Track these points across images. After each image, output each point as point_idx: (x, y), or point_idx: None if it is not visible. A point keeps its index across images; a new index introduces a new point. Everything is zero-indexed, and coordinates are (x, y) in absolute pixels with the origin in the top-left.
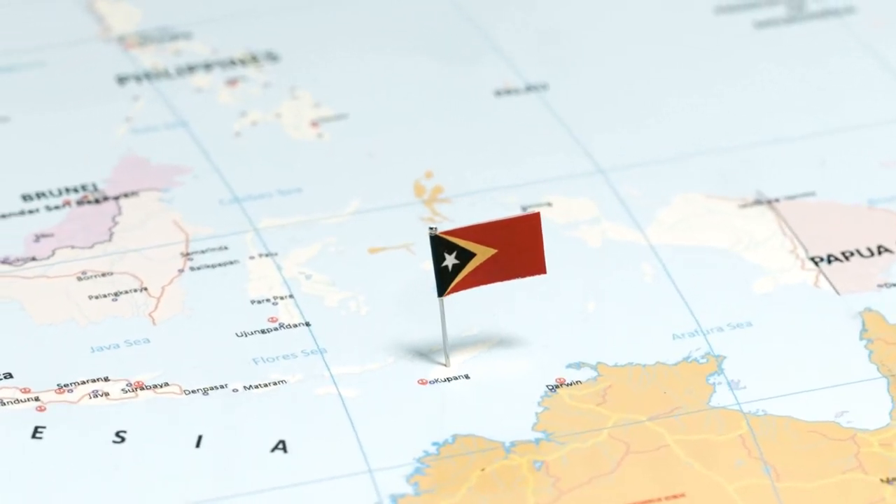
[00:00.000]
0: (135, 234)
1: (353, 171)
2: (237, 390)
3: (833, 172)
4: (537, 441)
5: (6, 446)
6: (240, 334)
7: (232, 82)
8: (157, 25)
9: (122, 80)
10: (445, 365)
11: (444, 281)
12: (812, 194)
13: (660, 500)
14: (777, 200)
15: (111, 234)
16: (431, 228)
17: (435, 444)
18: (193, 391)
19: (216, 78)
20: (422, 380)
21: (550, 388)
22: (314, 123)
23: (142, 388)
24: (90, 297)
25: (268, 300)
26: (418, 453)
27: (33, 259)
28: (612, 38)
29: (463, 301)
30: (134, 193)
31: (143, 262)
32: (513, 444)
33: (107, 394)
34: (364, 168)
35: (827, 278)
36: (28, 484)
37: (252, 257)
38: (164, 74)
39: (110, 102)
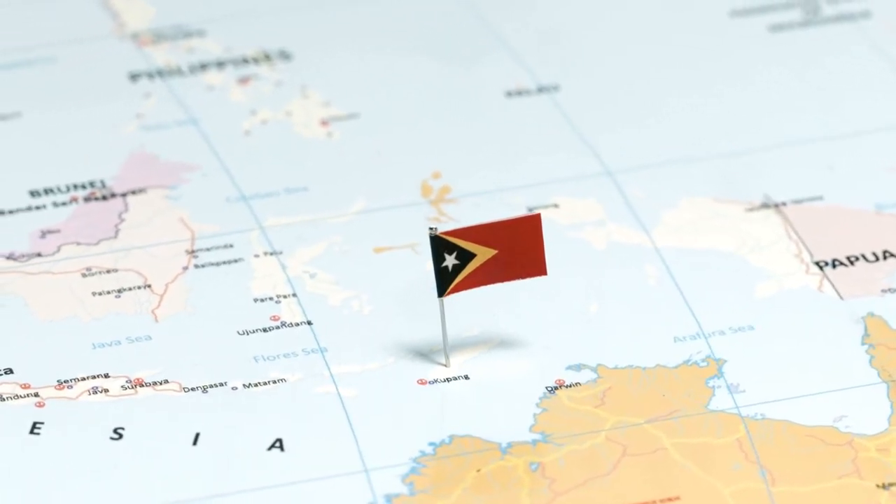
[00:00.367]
0: (141, 231)
1: (361, 170)
2: (236, 388)
3: (841, 177)
4: (534, 442)
5: (4, 442)
6: (241, 332)
7: (244, 80)
8: (171, 23)
9: (134, 77)
10: (445, 365)
11: (444, 281)
12: (820, 198)
13: (655, 502)
14: (784, 204)
15: (117, 231)
16: (431, 229)
17: (432, 444)
18: (193, 389)
19: (228, 76)
20: (421, 380)
21: (549, 389)
22: (324, 122)
23: (141, 385)
24: (94, 294)
25: (271, 298)
26: (415, 453)
27: (38, 255)
28: (626, 41)
29: (464, 301)
30: (141, 190)
31: (147, 259)
32: (509, 445)
33: (106, 390)
34: (372, 167)
35: (831, 283)
36: (24, 480)
37: (257, 255)
38: (177, 72)
39: (121, 99)
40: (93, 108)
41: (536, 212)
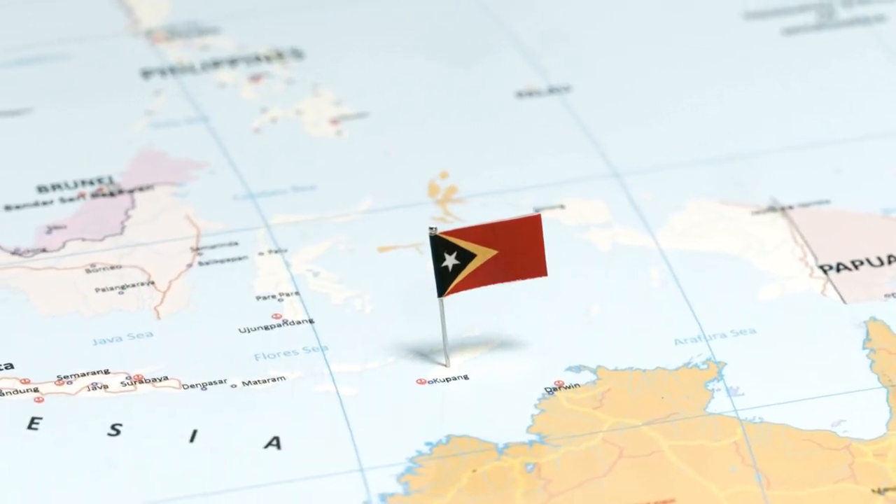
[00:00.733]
0: (147, 227)
1: (369, 169)
2: (235, 386)
3: (849, 181)
4: (531, 443)
5: (1, 437)
6: (243, 330)
7: (256, 78)
8: (186, 20)
9: (146, 73)
10: (445, 365)
11: (444, 281)
12: (827, 202)
13: None
14: (791, 208)
15: (123, 228)
16: (431, 228)
17: (428, 444)
18: (192, 386)
19: (240, 73)
20: (421, 379)
21: (548, 390)
22: (334, 121)
23: (141, 382)
24: (97, 290)
25: (273, 297)
26: (411, 453)
27: (44, 251)
28: (639, 42)
29: (466, 302)
30: (149, 187)
31: (152, 255)
32: (506, 445)
33: (105, 386)
34: (380, 167)
35: (834, 287)
36: (21, 475)
37: (261, 253)
38: (189, 69)
39: (133, 96)
40: (104, 105)
41: (537, 213)
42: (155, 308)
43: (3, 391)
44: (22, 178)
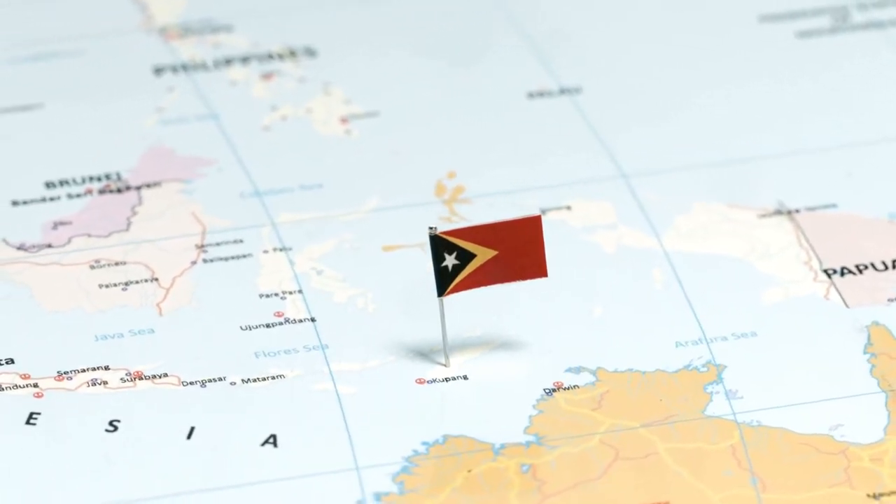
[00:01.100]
0: (152, 224)
1: (376, 168)
2: (235, 383)
3: (857, 185)
4: (527, 444)
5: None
6: (244, 328)
7: (267, 76)
8: (200, 17)
9: (158, 70)
10: (445, 365)
11: (444, 281)
12: (834, 206)
13: None
14: (797, 211)
15: (129, 224)
16: (431, 228)
17: (425, 443)
18: (191, 383)
19: (252, 71)
20: (420, 379)
21: (547, 391)
22: (344, 120)
23: (140, 378)
24: (100, 286)
25: (276, 295)
26: (407, 452)
27: (49, 246)
28: (652, 45)
29: (467, 302)
30: (156, 184)
31: (157, 252)
32: (503, 446)
33: (105, 382)
34: (388, 166)
35: (838, 291)
36: (18, 470)
37: (266, 251)
38: (202, 66)
39: (144, 93)
40: (115, 101)
41: (537, 213)
42: (157, 305)
43: (3, 386)
44: (30, 174)
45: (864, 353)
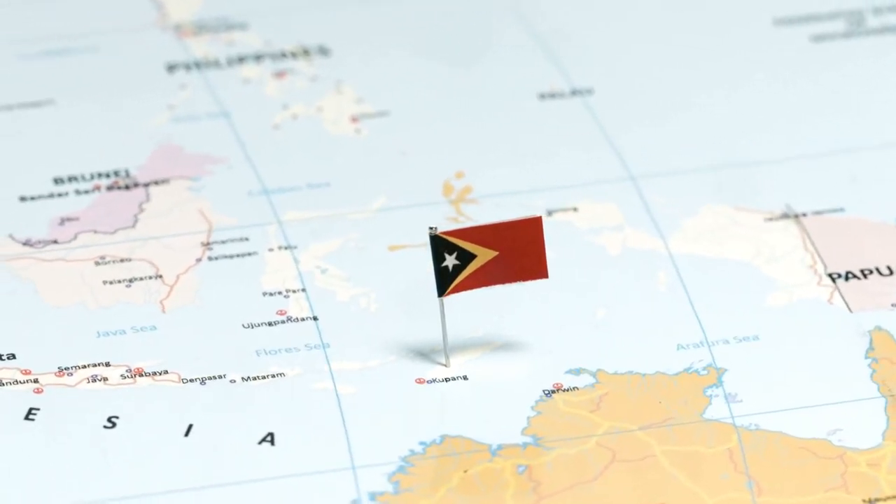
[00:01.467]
0: (159, 221)
1: (384, 168)
2: (234, 381)
3: (864, 189)
4: (524, 445)
5: None
6: (246, 326)
7: (280, 74)
8: (215, 14)
9: (171, 68)
10: (445, 365)
11: (444, 281)
12: (841, 210)
13: None
14: (804, 215)
15: (135, 221)
16: (431, 228)
17: (422, 443)
18: (191, 380)
19: (265, 69)
20: (420, 379)
21: (546, 392)
22: (354, 119)
23: (141, 375)
24: (104, 283)
25: (280, 293)
26: (404, 452)
27: (55, 242)
28: (666, 47)
29: (469, 302)
30: (164, 181)
31: (162, 249)
32: (499, 447)
33: (105, 379)
34: (396, 165)
35: (841, 295)
36: (16, 465)
37: (271, 249)
38: (215, 64)
39: (156, 90)
40: (126, 98)
41: (538, 214)
42: (161, 302)
43: (3, 381)
44: (39, 170)
45: (866, 357)
